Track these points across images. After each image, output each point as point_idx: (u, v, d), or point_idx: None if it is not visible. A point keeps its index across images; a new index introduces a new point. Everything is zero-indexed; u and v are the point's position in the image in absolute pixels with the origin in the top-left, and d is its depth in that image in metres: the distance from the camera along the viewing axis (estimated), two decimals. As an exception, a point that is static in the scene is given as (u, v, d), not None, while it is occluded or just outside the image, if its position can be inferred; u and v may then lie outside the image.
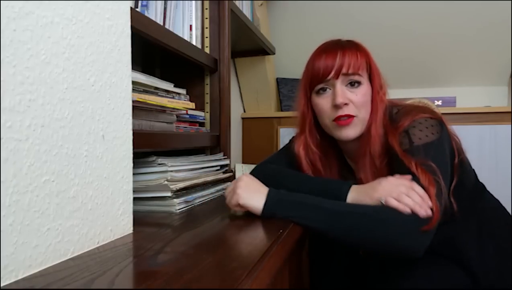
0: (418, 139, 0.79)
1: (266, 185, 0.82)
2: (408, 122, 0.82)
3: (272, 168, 0.93)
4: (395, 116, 0.87)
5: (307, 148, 0.94)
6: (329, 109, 0.88)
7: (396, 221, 0.70)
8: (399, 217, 0.69)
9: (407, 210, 0.69)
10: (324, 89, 0.88)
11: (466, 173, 0.90)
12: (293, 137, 1.05)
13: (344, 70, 0.85)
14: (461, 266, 0.86)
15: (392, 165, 0.84)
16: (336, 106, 0.85)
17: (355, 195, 0.78)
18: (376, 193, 0.74)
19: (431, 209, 0.70)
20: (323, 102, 0.89)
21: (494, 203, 0.97)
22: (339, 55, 0.86)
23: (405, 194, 0.71)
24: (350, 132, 0.87)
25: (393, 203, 0.70)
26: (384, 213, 0.71)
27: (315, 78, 0.88)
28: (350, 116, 0.86)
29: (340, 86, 0.86)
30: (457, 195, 0.84)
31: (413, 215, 0.69)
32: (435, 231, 0.72)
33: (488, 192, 0.98)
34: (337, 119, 0.86)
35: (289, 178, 0.88)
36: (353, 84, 0.86)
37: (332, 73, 0.86)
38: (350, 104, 0.86)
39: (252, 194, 0.76)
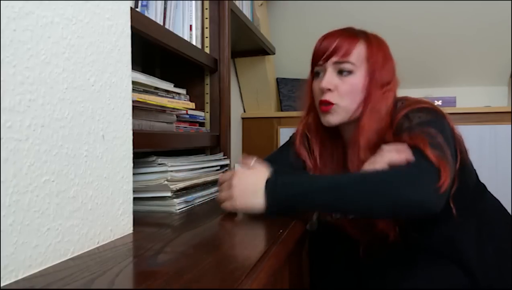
0: (417, 118, 0.79)
1: None
2: (407, 109, 0.82)
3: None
4: (399, 109, 0.86)
5: (307, 127, 0.97)
6: (318, 92, 0.90)
7: (400, 176, 0.67)
8: (402, 172, 0.68)
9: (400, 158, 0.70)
10: (318, 73, 0.91)
11: (468, 173, 0.90)
12: (293, 134, 1.06)
13: (334, 57, 0.86)
14: (461, 266, 0.86)
15: None
16: (321, 90, 0.88)
17: None
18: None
19: (438, 168, 0.67)
20: (315, 85, 0.92)
21: (494, 203, 0.96)
22: (335, 42, 0.87)
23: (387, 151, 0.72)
24: (331, 119, 0.88)
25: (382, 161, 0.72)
26: (384, 173, 0.70)
27: (313, 61, 0.91)
28: (330, 104, 0.87)
29: (330, 72, 0.87)
30: (459, 195, 0.83)
31: (415, 168, 0.68)
32: (447, 192, 0.68)
33: (489, 192, 0.98)
34: (320, 103, 0.89)
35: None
36: (342, 72, 0.87)
37: (323, 58, 0.88)
38: (334, 91, 0.87)
39: (249, 199, 0.72)
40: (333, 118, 0.88)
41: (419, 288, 0.83)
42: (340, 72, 0.87)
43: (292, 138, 1.03)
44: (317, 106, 0.91)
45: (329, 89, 0.87)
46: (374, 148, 0.83)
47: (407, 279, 0.84)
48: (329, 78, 0.87)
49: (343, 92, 0.87)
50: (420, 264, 0.87)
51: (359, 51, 0.87)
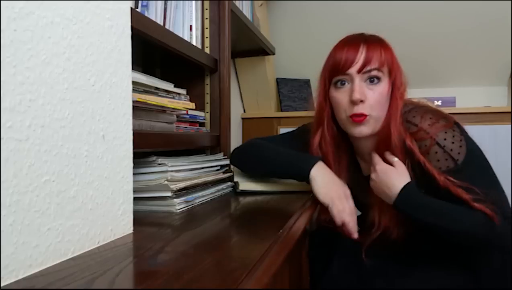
0: (457, 154, 0.81)
1: (246, 160, 1.00)
2: (433, 132, 0.82)
3: (259, 142, 1.04)
4: (407, 115, 0.87)
5: (323, 140, 0.95)
6: (345, 104, 0.87)
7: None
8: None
9: None
10: (342, 83, 0.88)
11: None
12: (303, 125, 1.06)
13: (366, 66, 0.84)
14: (464, 266, 0.86)
15: (414, 170, 0.84)
16: (353, 102, 0.85)
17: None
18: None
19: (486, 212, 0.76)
20: (340, 96, 0.88)
21: None
22: (362, 49, 0.85)
23: None
24: (364, 130, 0.87)
25: None
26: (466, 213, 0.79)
27: (335, 70, 0.88)
28: (364, 115, 0.85)
29: (359, 81, 0.85)
30: None
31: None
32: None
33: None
34: (353, 116, 0.86)
35: (269, 150, 1.00)
36: (372, 80, 0.86)
37: (354, 67, 0.85)
38: (366, 101, 0.85)
39: (387, 184, 0.84)
40: (366, 129, 0.87)
41: (419, 288, 0.83)
42: (370, 80, 0.86)
43: (298, 132, 1.04)
44: (345, 118, 0.89)
45: (362, 100, 0.85)
46: (402, 153, 0.85)
47: (408, 279, 0.84)
48: (361, 88, 0.85)
49: (374, 102, 0.85)
50: (421, 264, 0.87)
51: (384, 58, 0.86)
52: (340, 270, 1.03)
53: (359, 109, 0.85)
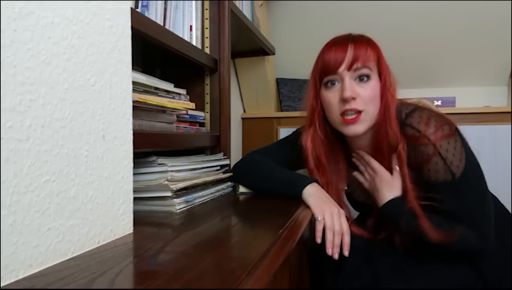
0: (456, 168, 0.82)
1: (242, 173, 1.00)
2: (437, 141, 0.82)
3: (260, 159, 1.04)
4: (410, 118, 0.86)
5: (314, 141, 0.95)
6: (336, 103, 0.88)
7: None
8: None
9: None
10: (333, 83, 0.88)
11: None
12: (296, 130, 1.06)
13: (354, 64, 0.85)
14: (472, 266, 0.86)
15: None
16: (344, 100, 0.85)
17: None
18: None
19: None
20: (331, 96, 0.89)
21: (495, 202, 0.96)
22: (350, 48, 0.86)
23: None
24: (358, 128, 0.87)
25: None
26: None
27: (325, 70, 0.88)
28: (357, 112, 0.85)
29: (349, 80, 0.86)
30: None
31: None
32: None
33: (494, 196, 0.97)
34: (344, 115, 0.86)
35: (264, 167, 1.00)
36: (362, 78, 0.86)
37: (343, 66, 0.86)
38: (358, 98, 0.85)
39: (384, 188, 0.89)
40: (359, 128, 0.87)
41: (430, 288, 0.83)
42: (360, 78, 0.86)
43: (292, 137, 1.03)
44: (337, 118, 0.89)
45: (353, 98, 0.85)
46: (391, 153, 0.86)
47: (420, 278, 0.84)
48: (351, 86, 0.85)
49: (367, 99, 0.85)
50: (433, 264, 0.87)
51: (372, 56, 0.87)
52: (354, 269, 1.02)
53: (351, 105, 0.85)
